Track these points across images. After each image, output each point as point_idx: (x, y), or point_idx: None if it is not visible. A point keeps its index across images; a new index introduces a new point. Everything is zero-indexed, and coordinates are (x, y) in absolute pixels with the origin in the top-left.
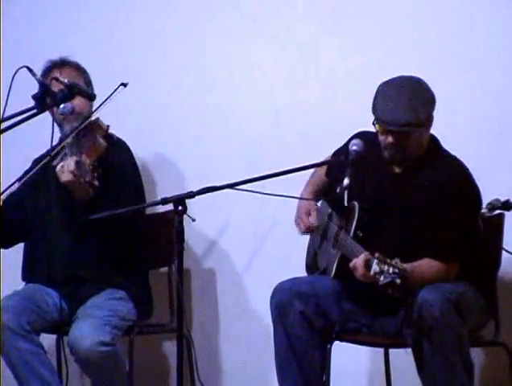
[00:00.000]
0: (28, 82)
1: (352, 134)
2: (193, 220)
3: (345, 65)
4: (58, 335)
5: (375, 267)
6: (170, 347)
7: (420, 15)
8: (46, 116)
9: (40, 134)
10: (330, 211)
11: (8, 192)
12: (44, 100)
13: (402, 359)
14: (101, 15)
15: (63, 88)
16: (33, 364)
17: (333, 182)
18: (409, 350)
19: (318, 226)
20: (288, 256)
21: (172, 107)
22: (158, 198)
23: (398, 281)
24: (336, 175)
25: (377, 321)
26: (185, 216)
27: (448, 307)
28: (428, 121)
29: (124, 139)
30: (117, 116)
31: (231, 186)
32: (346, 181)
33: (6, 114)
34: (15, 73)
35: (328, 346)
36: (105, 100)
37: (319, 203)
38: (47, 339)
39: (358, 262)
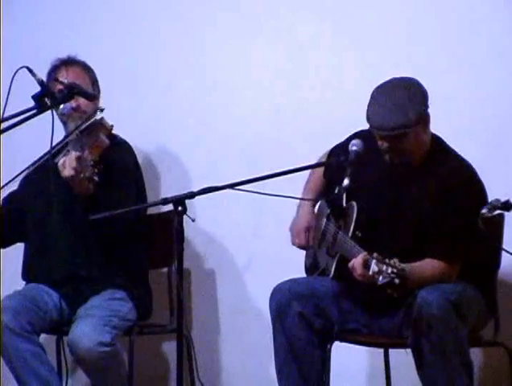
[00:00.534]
0: (28, 82)
1: (352, 133)
2: (193, 220)
3: (345, 65)
4: (58, 335)
5: (374, 267)
6: (170, 347)
7: (420, 15)
8: (46, 116)
9: (40, 134)
10: (329, 211)
11: (7, 191)
12: (44, 100)
13: (402, 359)
14: (101, 15)
15: (62, 89)
16: (33, 364)
17: (331, 183)
18: (409, 350)
19: (314, 244)
20: (288, 256)
21: (172, 107)
22: (159, 198)
23: (396, 281)
24: (334, 175)
25: (376, 321)
26: (185, 216)
27: (447, 307)
28: (421, 118)
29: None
30: (117, 116)
31: (231, 186)
32: (346, 181)
33: (6, 114)
34: (15, 73)
35: (328, 347)
36: (82, 123)
37: (317, 205)
38: (47, 339)
39: (356, 262)
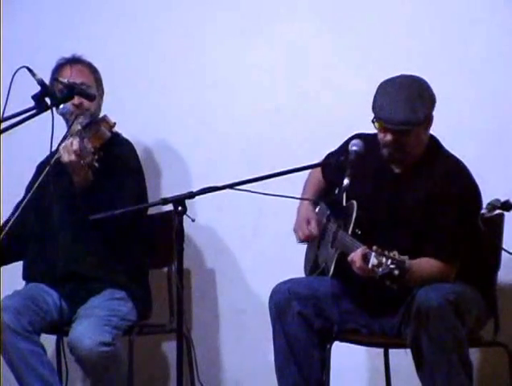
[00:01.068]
0: (28, 82)
1: (348, 137)
2: (193, 220)
3: (345, 65)
4: (58, 335)
5: (373, 260)
6: (170, 347)
7: (420, 15)
8: (46, 116)
9: (40, 134)
10: (328, 212)
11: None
12: (44, 100)
13: (402, 359)
14: (101, 15)
15: (62, 89)
16: (33, 364)
17: (333, 184)
18: (408, 350)
19: (317, 235)
20: (288, 256)
21: (172, 106)
22: (158, 198)
23: (396, 272)
24: (335, 177)
25: (376, 321)
26: (185, 216)
27: (446, 307)
28: (427, 120)
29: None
30: (117, 115)
31: (231, 186)
32: (346, 181)
33: (6, 114)
34: (15, 73)
35: (328, 347)
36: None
37: (317, 208)
38: (47, 339)
39: (356, 256)
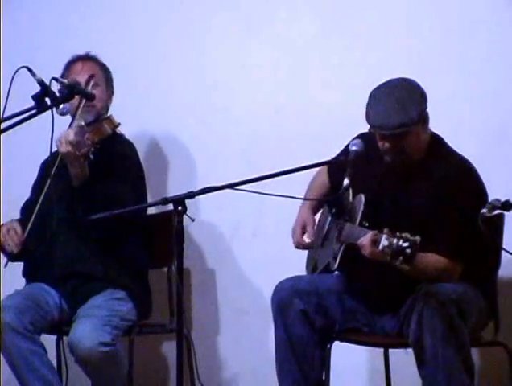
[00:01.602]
0: (28, 82)
1: (351, 139)
2: (193, 220)
3: (345, 65)
4: (58, 335)
5: (384, 242)
6: (170, 347)
7: (420, 15)
8: (46, 116)
9: (40, 134)
10: (332, 213)
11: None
12: (44, 100)
13: (402, 359)
14: (100, 15)
15: (62, 88)
16: (34, 364)
17: (339, 185)
18: (409, 350)
19: (309, 243)
20: (288, 256)
21: (172, 107)
22: (158, 198)
23: (408, 251)
24: (339, 177)
25: (377, 320)
26: (185, 216)
27: (449, 305)
28: (421, 117)
29: None
30: (116, 115)
31: (231, 186)
32: (346, 181)
33: (6, 114)
34: (15, 73)
35: (328, 346)
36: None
37: (320, 211)
38: (48, 339)
39: (365, 239)
